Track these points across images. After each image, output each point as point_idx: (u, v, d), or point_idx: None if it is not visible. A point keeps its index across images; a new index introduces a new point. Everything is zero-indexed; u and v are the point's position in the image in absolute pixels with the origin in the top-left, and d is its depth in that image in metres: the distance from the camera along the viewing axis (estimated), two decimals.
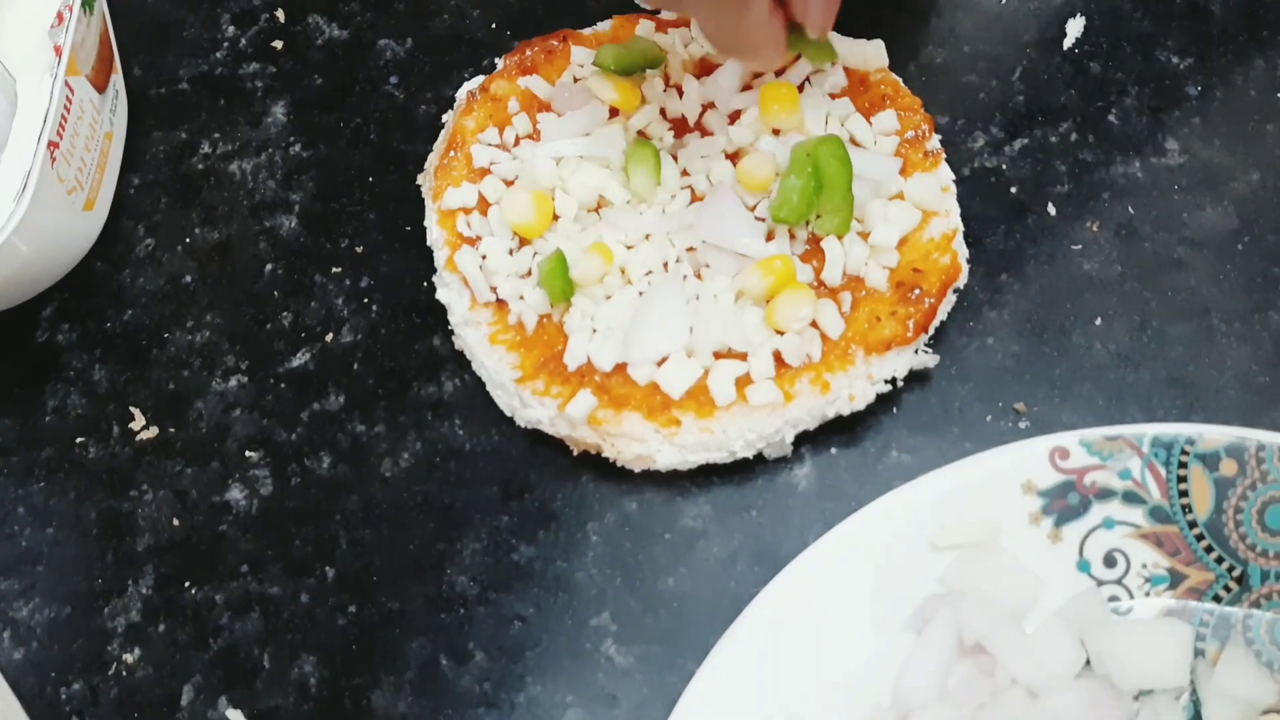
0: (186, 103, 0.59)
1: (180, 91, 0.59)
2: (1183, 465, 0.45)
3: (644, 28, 0.56)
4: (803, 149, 0.50)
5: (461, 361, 0.52)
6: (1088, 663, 0.44)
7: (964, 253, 0.52)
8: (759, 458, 0.50)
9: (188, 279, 0.55)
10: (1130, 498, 0.45)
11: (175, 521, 0.51)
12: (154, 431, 0.52)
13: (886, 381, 0.50)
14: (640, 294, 0.50)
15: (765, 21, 0.49)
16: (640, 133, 0.53)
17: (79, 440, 0.52)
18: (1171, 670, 0.44)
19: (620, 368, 0.49)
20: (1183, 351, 0.51)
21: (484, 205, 0.53)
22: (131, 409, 0.53)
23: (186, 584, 0.49)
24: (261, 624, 0.49)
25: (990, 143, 0.56)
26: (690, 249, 0.51)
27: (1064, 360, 0.51)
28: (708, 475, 0.50)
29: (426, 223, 0.54)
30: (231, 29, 0.61)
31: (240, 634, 0.48)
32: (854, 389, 0.49)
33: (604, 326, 0.49)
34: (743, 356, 0.49)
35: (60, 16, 0.52)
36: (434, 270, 0.53)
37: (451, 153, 0.54)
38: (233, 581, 0.49)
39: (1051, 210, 0.54)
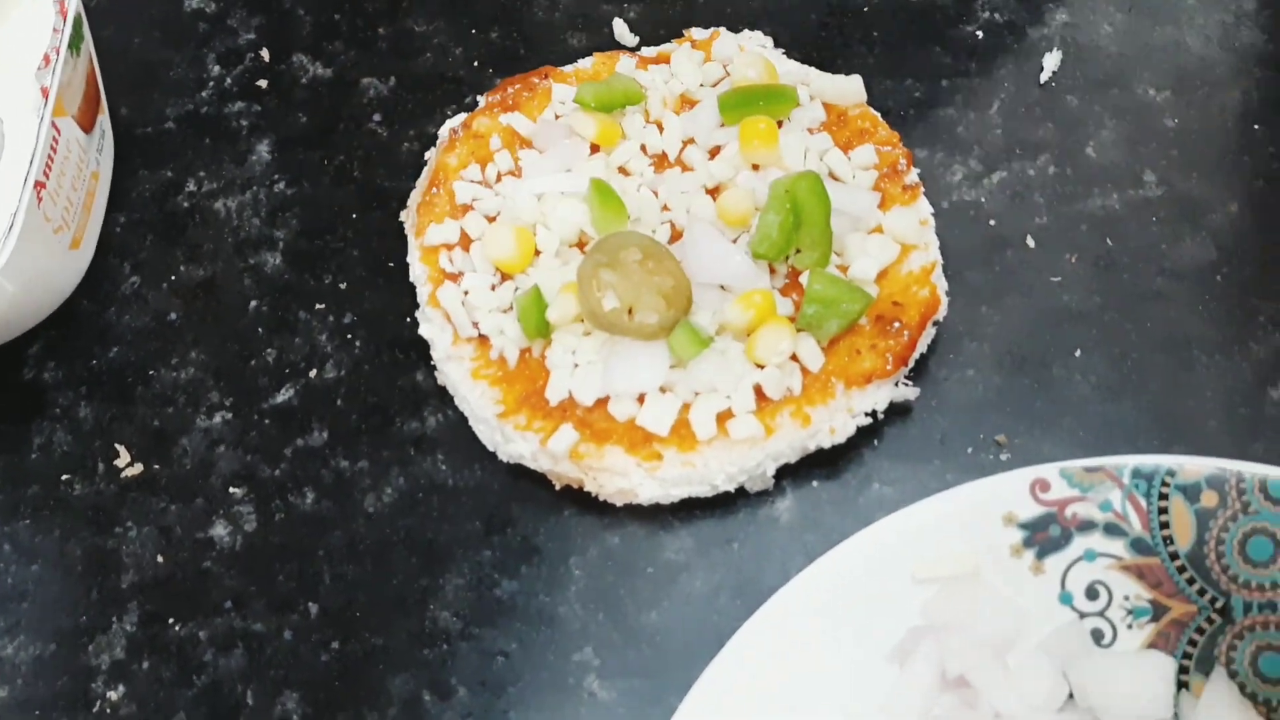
0: (172, 141, 0.59)
1: (166, 131, 0.60)
2: (1163, 497, 0.45)
3: (624, 65, 0.56)
4: (781, 185, 0.50)
5: (444, 397, 0.52)
6: (1071, 695, 0.44)
7: (943, 285, 0.52)
8: (741, 491, 0.50)
9: (173, 316, 0.55)
10: (1111, 529, 0.45)
11: (159, 558, 0.50)
12: (139, 468, 0.52)
13: (867, 414, 0.50)
14: None
15: None
16: (621, 169, 0.54)
17: (64, 477, 0.52)
18: (1155, 703, 0.43)
19: (602, 402, 0.49)
20: (1163, 383, 0.51)
21: (466, 241, 0.53)
22: (117, 446, 0.53)
23: (170, 621, 0.49)
24: (245, 660, 0.48)
25: (969, 176, 0.56)
26: None
27: (1044, 392, 0.51)
28: (689, 509, 0.50)
29: (409, 259, 0.54)
30: (217, 68, 0.61)
31: (224, 671, 0.48)
32: (835, 422, 0.49)
33: (585, 361, 0.50)
34: None
35: (47, 58, 0.53)
36: (416, 306, 0.53)
37: (434, 189, 0.54)
38: (216, 618, 0.49)
39: (1030, 242, 0.55)
